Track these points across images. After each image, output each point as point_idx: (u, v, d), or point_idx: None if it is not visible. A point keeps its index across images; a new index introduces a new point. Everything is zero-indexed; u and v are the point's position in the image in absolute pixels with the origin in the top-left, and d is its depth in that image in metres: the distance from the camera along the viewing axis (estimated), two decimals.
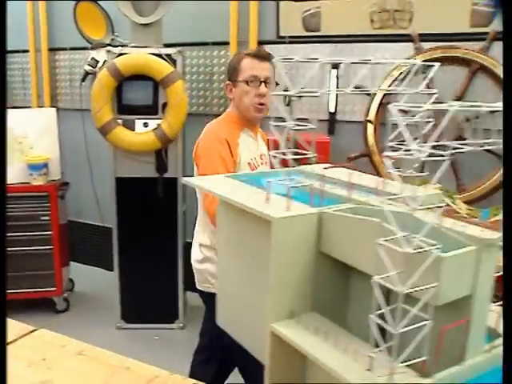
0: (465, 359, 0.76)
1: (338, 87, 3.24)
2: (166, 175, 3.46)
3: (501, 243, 0.74)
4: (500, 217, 2.52)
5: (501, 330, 0.83)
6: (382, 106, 3.16)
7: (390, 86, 3.08)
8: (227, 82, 2.41)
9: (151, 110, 3.34)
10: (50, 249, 3.85)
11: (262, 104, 2.31)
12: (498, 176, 2.85)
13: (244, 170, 2.26)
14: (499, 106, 0.74)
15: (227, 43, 3.73)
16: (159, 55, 3.22)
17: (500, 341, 0.82)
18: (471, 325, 0.74)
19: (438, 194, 1.03)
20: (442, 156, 0.67)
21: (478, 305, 0.75)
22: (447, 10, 2.99)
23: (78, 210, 4.78)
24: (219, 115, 2.49)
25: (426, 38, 3.09)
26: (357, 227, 0.80)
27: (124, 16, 3.35)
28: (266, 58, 2.33)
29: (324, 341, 0.81)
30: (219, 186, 1.05)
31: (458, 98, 2.96)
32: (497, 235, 0.74)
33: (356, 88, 0.92)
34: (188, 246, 3.71)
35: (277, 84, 2.39)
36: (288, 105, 2.88)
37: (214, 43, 3.83)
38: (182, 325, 3.73)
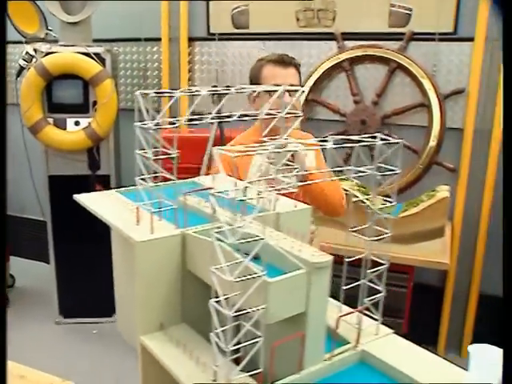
0: (303, 368, 0.85)
1: None
2: (99, 172, 3.47)
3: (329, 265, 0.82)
4: (408, 212, 2.63)
5: (340, 331, 0.93)
6: (308, 102, 3.25)
7: (315, 82, 3.19)
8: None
9: (82, 108, 3.33)
10: None
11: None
12: (414, 171, 2.97)
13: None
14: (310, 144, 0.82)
15: (160, 39, 3.75)
16: (88, 54, 3.22)
17: (340, 349, 0.91)
18: (307, 338, 0.83)
19: (307, 208, 1.11)
20: (272, 193, 0.75)
21: (312, 320, 0.83)
22: (368, 10, 3.09)
23: (20, 205, 4.76)
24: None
25: (348, 36, 3.17)
26: (206, 249, 0.87)
27: None
28: (289, 63, 2.18)
29: (182, 352, 0.90)
30: (103, 203, 1.11)
31: (379, 95, 3.07)
32: (326, 258, 0.82)
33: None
34: None
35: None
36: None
37: (147, 39, 3.84)
38: None
